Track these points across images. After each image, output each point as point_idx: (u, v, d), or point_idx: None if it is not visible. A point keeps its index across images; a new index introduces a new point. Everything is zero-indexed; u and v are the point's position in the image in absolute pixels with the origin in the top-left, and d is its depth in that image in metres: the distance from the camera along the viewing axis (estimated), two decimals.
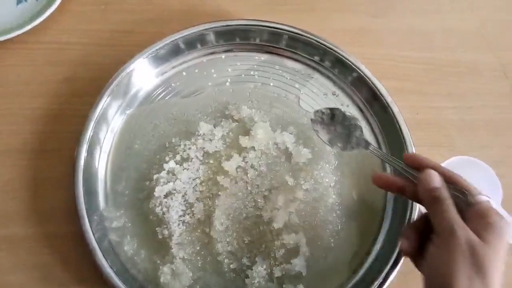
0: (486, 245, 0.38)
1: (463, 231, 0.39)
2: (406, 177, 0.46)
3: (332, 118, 0.54)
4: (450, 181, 0.43)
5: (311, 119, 0.55)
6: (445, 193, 0.42)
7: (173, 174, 0.54)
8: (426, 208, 0.43)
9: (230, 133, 0.57)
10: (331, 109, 0.55)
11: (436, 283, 0.39)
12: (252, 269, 0.51)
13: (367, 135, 0.60)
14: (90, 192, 0.53)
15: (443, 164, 0.54)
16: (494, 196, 0.53)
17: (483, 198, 0.41)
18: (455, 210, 0.41)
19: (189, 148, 0.56)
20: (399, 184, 0.47)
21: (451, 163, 0.54)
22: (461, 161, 0.54)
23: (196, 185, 0.54)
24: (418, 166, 0.45)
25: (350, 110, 0.61)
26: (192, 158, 0.55)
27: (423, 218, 0.44)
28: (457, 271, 0.37)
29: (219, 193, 0.54)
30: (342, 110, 0.55)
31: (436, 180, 0.43)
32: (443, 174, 0.43)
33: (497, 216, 0.40)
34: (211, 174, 0.55)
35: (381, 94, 0.59)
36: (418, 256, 0.43)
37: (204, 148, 0.56)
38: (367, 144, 0.52)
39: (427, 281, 0.41)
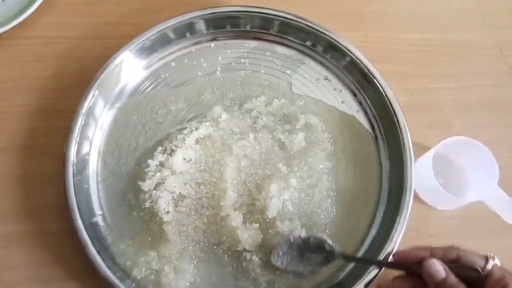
0: None
1: None
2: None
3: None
4: (452, 259, 0.42)
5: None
6: (453, 280, 0.40)
7: (162, 166, 0.53)
8: None
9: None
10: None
11: None
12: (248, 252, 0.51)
13: (362, 120, 0.59)
14: (81, 188, 0.52)
15: (439, 145, 0.53)
16: (491, 176, 0.51)
17: (492, 265, 0.40)
18: None
19: (176, 139, 0.55)
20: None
21: (447, 144, 0.53)
22: (457, 141, 0.53)
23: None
24: (412, 260, 0.43)
25: (344, 95, 0.60)
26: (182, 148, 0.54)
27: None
28: None
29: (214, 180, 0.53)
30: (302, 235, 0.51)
31: (439, 270, 0.40)
32: (444, 256, 0.42)
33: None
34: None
35: (374, 77, 0.58)
36: None
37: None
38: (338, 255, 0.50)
39: None
